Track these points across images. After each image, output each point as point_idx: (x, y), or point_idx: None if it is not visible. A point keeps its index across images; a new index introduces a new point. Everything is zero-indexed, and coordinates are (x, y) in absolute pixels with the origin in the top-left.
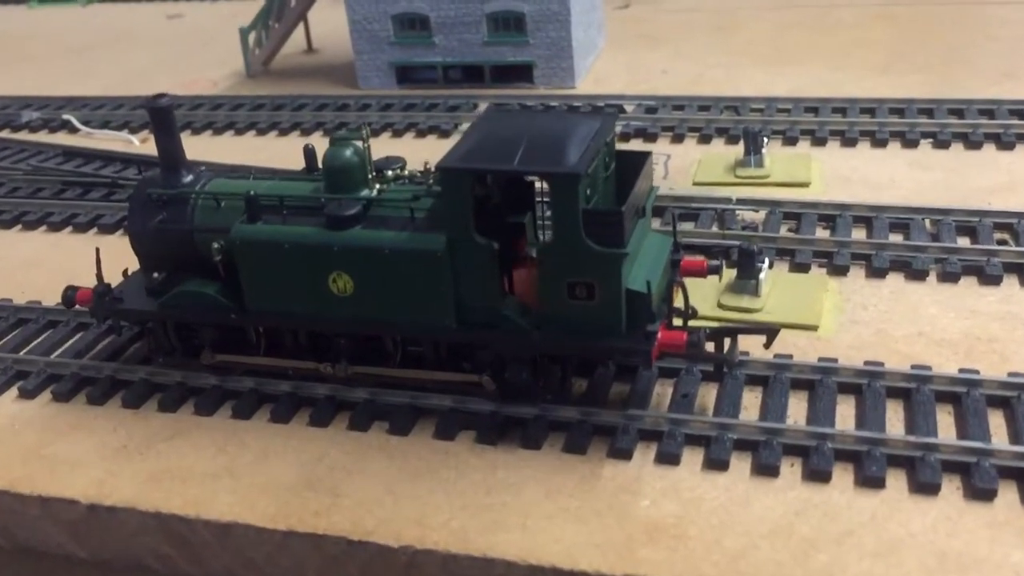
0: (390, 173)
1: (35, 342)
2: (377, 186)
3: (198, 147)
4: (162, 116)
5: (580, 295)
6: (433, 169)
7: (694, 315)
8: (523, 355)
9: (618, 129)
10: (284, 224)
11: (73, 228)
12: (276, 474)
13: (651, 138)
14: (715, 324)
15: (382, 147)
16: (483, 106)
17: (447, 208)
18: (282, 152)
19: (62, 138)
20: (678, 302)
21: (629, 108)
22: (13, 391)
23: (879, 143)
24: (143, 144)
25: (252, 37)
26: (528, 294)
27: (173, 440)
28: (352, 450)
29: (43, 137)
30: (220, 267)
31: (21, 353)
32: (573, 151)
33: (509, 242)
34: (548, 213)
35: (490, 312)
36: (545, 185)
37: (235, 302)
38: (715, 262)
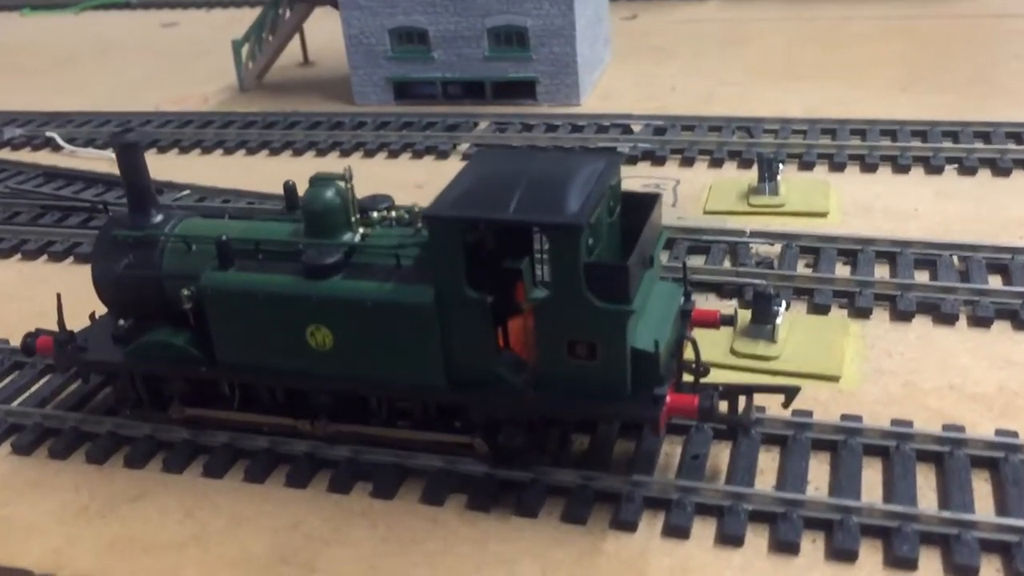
0: (375, 215)
1: None
2: (361, 230)
3: (185, 167)
4: (129, 152)
5: (581, 354)
6: (420, 214)
7: (706, 373)
8: (518, 417)
9: (625, 150)
10: (259, 271)
11: (49, 257)
12: (248, 544)
13: (659, 161)
14: (729, 381)
15: (377, 168)
16: (483, 124)
17: (435, 259)
18: (272, 173)
19: (44, 157)
20: (689, 354)
21: (636, 128)
22: None
23: (901, 169)
24: None
25: (245, 50)
26: (524, 347)
27: (138, 502)
28: (331, 516)
29: (25, 155)
30: (190, 316)
31: None
32: (574, 198)
33: (504, 290)
34: (546, 265)
35: (483, 371)
36: (544, 235)
37: (206, 354)
38: (728, 312)
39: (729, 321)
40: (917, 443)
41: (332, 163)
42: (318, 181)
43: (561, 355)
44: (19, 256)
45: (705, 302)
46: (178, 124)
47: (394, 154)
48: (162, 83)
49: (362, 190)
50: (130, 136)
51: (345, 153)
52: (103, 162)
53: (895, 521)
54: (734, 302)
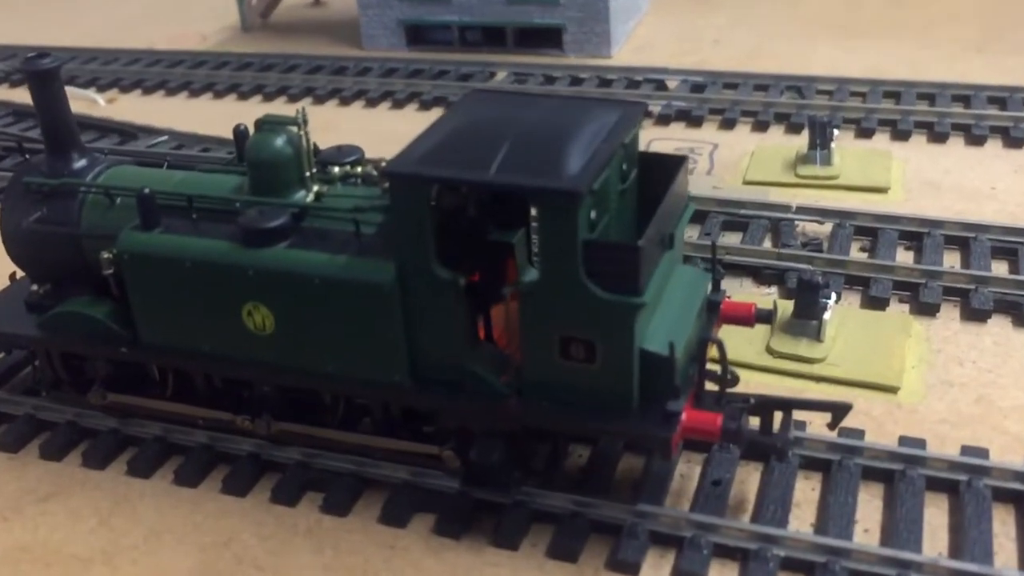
0: (337, 170)
1: None
2: (316, 187)
3: (169, 111)
4: (45, 81)
5: (576, 355)
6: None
7: (734, 382)
8: (496, 428)
9: (657, 109)
10: (189, 234)
11: None
12: (166, 564)
13: (696, 122)
14: (763, 391)
15: (379, 119)
16: (501, 75)
17: (398, 227)
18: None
19: (19, 94)
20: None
21: (672, 84)
22: None
23: (975, 140)
24: (110, 104)
25: None
26: (512, 342)
27: (49, 502)
28: (271, 533)
29: (2, 92)
30: (112, 283)
31: None
32: (574, 158)
33: (492, 269)
34: (537, 241)
35: (455, 368)
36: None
37: (129, 331)
38: (767, 307)
39: (767, 318)
40: (994, 479)
41: (329, 111)
42: (265, 125)
43: (552, 355)
44: None
45: (739, 288)
46: (168, 64)
47: (399, 104)
48: (160, 19)
49: (357, 142)
50: (45, 62)
51: (345, 101)
52: (83, 102)
53: None
54: (773, 290)
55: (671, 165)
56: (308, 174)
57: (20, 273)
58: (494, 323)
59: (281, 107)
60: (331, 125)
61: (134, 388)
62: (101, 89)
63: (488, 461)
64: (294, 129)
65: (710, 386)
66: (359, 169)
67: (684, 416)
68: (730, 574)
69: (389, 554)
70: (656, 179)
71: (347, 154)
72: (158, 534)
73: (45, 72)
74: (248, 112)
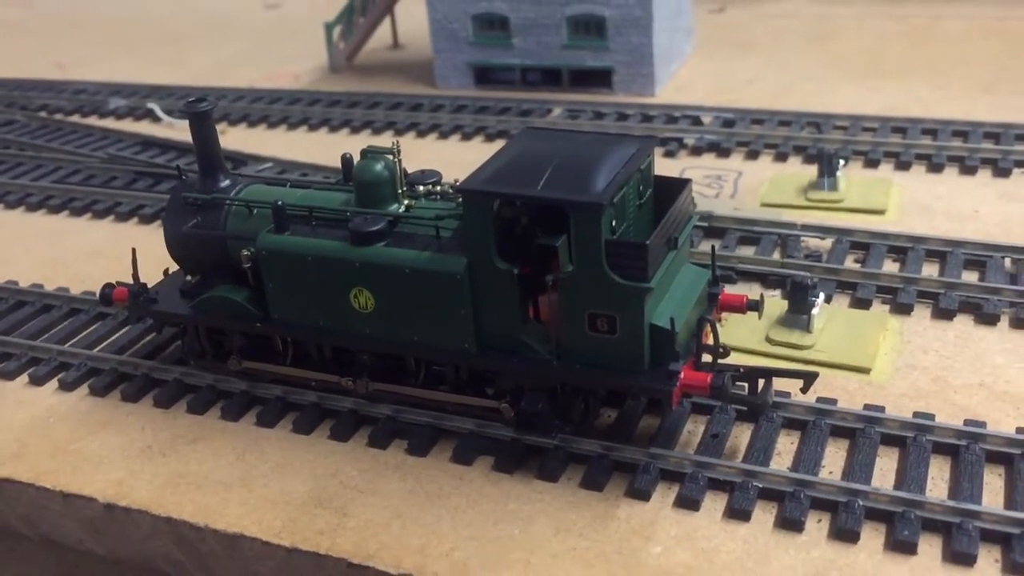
0: (421, 188)
1: (81, 335)
2: (406, 201)
3: (272, 142)
4: (201, 121)
5: (601, 328)
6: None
7: (725, 354)
8: (541, 384)
9: (691, 141)
10: (310, 236)
11: (139, 219)
12: (289, 488)
13: (724, 153)
14: (751, 363)
15: (450, 150)
16: (557, 111)
17: (468, 230)
18: (351, 150)
19: (144, 127)
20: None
21: (706, 120)
22: (54, 382)
23: (968, 170)
24: (222, 136)
25: (336, 31)
26: (553, 320)
27: (196, 443)
28: (368, 468)
29: (127, 125)
30: (249, 274)
31: (66, 345)
32: (601, 179)
33: (540, 265)
34: (571, 241)
35: (510, 338)
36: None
37: (261, 310)
38: (755, 298)
39: (755, 307)
40: (935, 435)
41: (408, 142)
42: (369, 154)
43: (583, 328)
44: (112, 217)
45: (748, 291)
46: (268, 101)
47: (467, 136)
48: (258, 61)
49: (432, 168)
50: (202, 105)
51: (421, 134)
52: None
53: (900, 507)
54: (777, 292)
55: (679, 187)
56: (400, 191)
57: (172, 269)
58: (540, 306)
59: (367, 139)
60: (410, 154)
61: (262, 357)
62: None
63: (534, 409)
64: (390, 157)
65: (707, 358)
66: (438, 188)
67: (682, 375)
68: (721, 501)
69: (458, 483)
70: (669, 198)
71: (429, 176)
72: (281, 467)
73: (202, 113)
74: (338, 143)
